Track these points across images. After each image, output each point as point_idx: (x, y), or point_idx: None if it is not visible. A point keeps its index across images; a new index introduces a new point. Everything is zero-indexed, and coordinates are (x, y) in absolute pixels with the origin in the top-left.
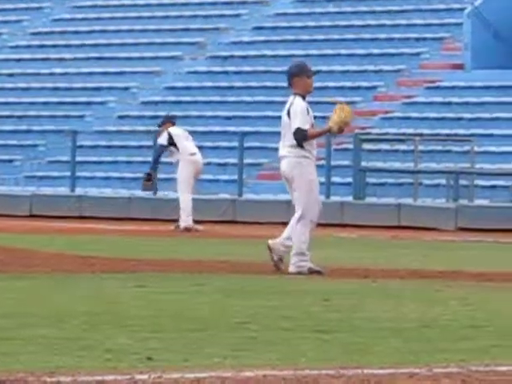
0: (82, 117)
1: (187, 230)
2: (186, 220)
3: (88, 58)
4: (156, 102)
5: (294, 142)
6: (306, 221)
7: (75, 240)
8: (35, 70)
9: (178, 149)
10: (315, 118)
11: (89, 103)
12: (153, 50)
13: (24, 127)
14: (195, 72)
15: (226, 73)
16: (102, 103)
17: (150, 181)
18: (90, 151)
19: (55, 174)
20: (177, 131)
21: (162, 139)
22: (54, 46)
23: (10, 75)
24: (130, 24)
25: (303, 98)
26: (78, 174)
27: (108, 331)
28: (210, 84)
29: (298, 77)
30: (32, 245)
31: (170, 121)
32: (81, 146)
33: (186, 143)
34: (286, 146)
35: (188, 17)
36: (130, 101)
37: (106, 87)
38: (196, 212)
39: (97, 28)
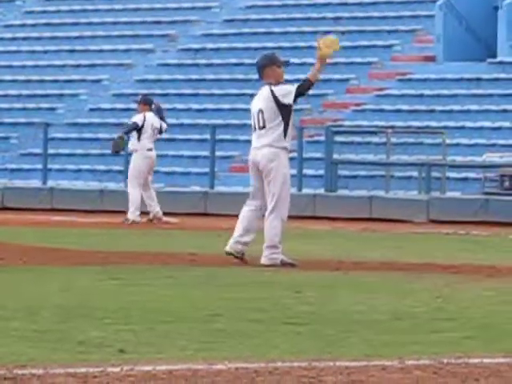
0: (53, 109)
1: (135, 223)
2: (133, 213)
3: (59, 51)
4: (127, 95)
5: (279, 132)
6: (278, 214)
7: (47, 232)
8: (7, 63)
9: (139, 139)
10: None
11: (60, 96)
12: (124, 43)
13: None
14: (166, 64)
15: (197, 65)
16: (73, 95)
17: (121, 141)
18: (61, 143)
19: (27, 166)
20: (152, 119)
21: (138, 120)
22: (26, 39)
23: None
24: (102, 16)
25: None
26: (50, 166)
27: (80, 324)
28: (181, 77)
29: (269, 67)
30: (3, 237)
31: (148, 103)
32: (52, 139)
33: (146, 138)
34: (266, 136)
35: (159, 9)
36: (101, 93)
37: (78, 80)
38: (168, 204)
39: (68, 21)
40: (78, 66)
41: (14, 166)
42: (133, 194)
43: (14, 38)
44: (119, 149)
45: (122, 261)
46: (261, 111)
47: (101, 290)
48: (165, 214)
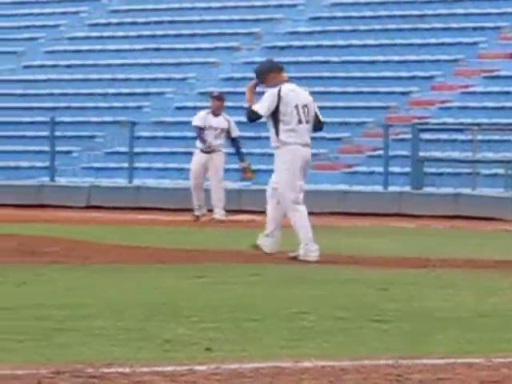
0: (139, 108)
1: (220, 221)
2: (220, 212)
3: (145, 49)
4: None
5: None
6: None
7: (133, 231)
8: (93, 61)
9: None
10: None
11: (146, 94)
12: (209, 41)
13: (82, 118)
14: (252, 62)
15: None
16: (159, 94)
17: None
18: (147, 142)
19: (113, 165)
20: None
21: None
22: (112, 38)
23: (68, 66)
24: (187, 15)
25: None
26: (136, 164)
27: (166, 322)
28: None
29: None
30: (90, 236)
31: (222, 100)
32: (138, 137)
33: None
34: (309, 133)
35: (244, 7)
36: (187, 92)
37: (164, 78)
38: (253, 203)
39: (154, 19)
40: (164, 64)
41: (100, 165)
42: (222, 193)
43: (100, 37)
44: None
45: (208, 259)
46: (306, 106)
47: (186, 288)
48: (244, 212)
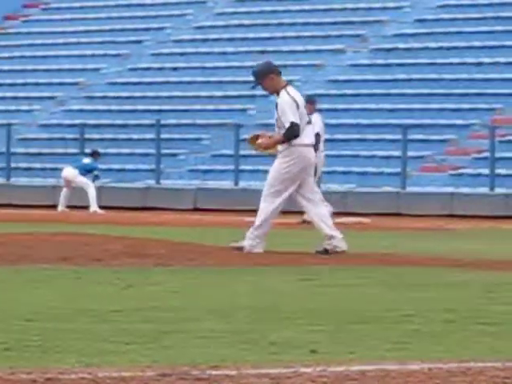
0: (245, 110)
1: (307, 222)
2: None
3: (251, 52)
4: (319, 95)
5: None
6: None
7: (239, 233)
8: (199, 64)
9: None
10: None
11: (252, 96)
12: (315, 43)
13: (188, 121)
14: (357, 65)
15: (388, 65)
16: (265, 96)
17: None
18: None
19: (219, 167)
20: (321, 122)
21: (319, 129)
22: (217, 40)
23: (174, 69)
24: (292, 17)
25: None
26: (242, 167)
27: (272, 324)
28: (372, 77)
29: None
30: (196, 238)
31: (314, 103)
32: (244, 140)
33: (322, 140)
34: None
35: (350, 9)
36: None
37: None
38: (360, 205)
39: (259, 22)
40: None
41: (206, 168)
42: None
43: (206, 40)
44: None
45: (313, 261)
46: (304, 107)
47: (292, 290)
48: (356, 214)
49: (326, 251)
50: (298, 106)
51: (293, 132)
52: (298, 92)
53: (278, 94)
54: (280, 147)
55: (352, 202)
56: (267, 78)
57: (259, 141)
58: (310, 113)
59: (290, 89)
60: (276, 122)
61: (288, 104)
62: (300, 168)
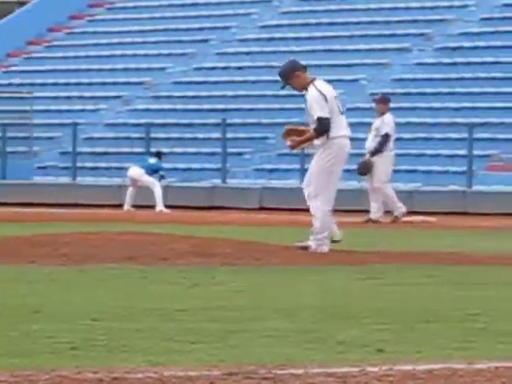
0: None
1: (373, 221)
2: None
3: (316, 51)
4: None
5: None
6: None
7: (304, 233)
8: (264, 63)
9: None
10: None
11: None
12: (381, 42)
13: (254, 120)
14: (423, 63)
15: (454, 64)
16: None
17: (370, 164)
18: None
19: (284, 166)
20: (393, 122)
21: (389, 129)
22: (283, 39)
23: (239, 68)
24: (358, 16)
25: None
26: (307, 166)
27: (338, 323)
28: (438, 76)
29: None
30: (261, 237)
31: (387, 102)
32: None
33: (392, 140)
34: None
35: (415, 8)
36: (358, 93)
37: (335, 79)
38: (426, 204)
39: (325, 20)
40: (335, 65)
41: (271, 166)
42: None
43: (271, 39)
44: (369, 172)
45: (379, 260)
46: (337, 98)
47: (358, 289)
48: (422, 213)
49: (305, 248)
50: (325, 99)
51: (322, 127)
52: (328, 84)
53: (306, 89)
54: (317, 141)
55: (418, 200)
56: (294, 76)
57: (288, 143)
58: (382, 112)
59: (317, 82)
60: (308, 118)
61: (315, 99)
62: (341, 158)
